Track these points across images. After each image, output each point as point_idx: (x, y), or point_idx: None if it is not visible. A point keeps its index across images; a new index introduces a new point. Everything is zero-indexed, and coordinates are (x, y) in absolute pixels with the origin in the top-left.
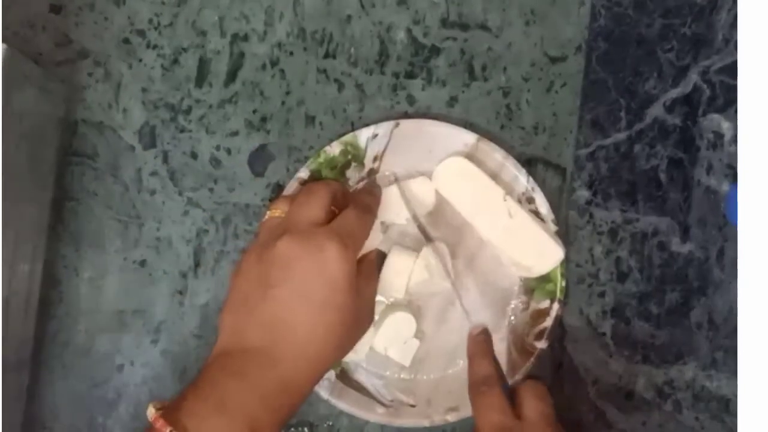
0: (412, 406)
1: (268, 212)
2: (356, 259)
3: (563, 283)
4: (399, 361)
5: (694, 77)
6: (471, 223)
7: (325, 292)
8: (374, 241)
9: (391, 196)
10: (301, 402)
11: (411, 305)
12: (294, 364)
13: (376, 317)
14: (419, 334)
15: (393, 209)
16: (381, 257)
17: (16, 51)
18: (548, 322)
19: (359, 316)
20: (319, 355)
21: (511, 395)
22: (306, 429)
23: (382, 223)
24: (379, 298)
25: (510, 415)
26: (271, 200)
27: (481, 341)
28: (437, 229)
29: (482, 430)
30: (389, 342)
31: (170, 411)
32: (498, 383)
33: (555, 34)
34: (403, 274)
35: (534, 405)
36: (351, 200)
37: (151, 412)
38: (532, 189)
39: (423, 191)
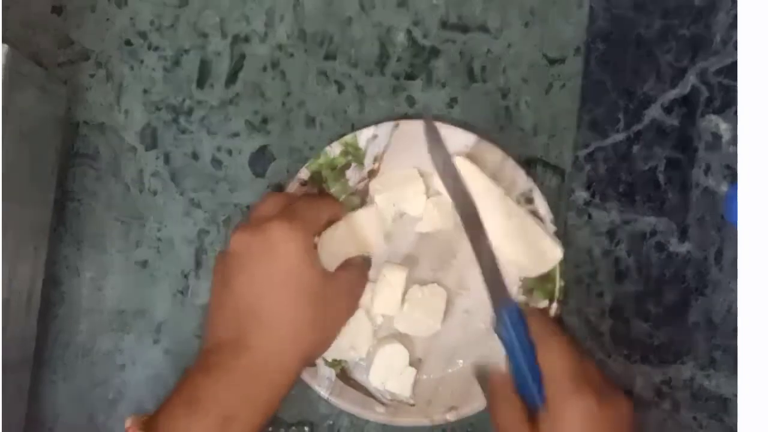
0: (412, 405)
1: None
2: (307, 235)
3: (562, 283)
4: (399, 393)
5: (692, 78)
6: None
7: (279, 269)
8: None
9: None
10: (282, 389)
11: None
12: (264, 348)
13: (366, 350)
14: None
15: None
16: (368, 263)
17: (17, 52)
18: None
19: (329, 294)
20: (290, 334)
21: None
22: (307, 428)
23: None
24: (379, 313)
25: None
26: None
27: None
28: (428, 252)
29: None
30: (385, 376)
31: (147, 418)
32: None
33: (554, 35)
34: (397, 289)
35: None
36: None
37: (127, 421)
38: (531, 190)
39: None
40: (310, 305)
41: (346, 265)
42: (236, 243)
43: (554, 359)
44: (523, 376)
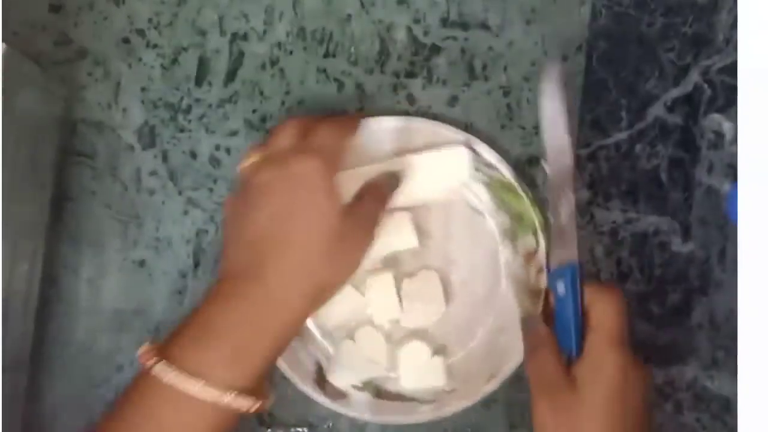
0: (452, 391)
1: (244, 162)
2: (329, 169)
3: (537, 213)
4: (435, 385)
5: (695, 77)
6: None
7: (300, 203)
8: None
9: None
10: (294, 325)
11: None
12: (280, 278)
13: (386, 359)
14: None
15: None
16: (395, 180)
17: (15, 51)
18: (541, 256)
19: (346, 228)
20: (305, 264)
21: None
22: (306, 429)
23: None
24: (383, 322)
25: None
26: None
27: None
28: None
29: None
30: (415, 375)
31: (160, 346)
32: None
33: (555, 33)
34: (390, 292)
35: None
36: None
37: (142, 349)
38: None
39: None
40: (326, 237)
41: (364, 195)
42: (262, 175)
43: (607, 311)
44: (566, 326)
